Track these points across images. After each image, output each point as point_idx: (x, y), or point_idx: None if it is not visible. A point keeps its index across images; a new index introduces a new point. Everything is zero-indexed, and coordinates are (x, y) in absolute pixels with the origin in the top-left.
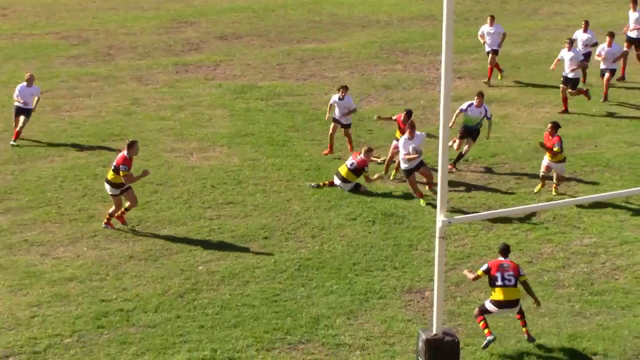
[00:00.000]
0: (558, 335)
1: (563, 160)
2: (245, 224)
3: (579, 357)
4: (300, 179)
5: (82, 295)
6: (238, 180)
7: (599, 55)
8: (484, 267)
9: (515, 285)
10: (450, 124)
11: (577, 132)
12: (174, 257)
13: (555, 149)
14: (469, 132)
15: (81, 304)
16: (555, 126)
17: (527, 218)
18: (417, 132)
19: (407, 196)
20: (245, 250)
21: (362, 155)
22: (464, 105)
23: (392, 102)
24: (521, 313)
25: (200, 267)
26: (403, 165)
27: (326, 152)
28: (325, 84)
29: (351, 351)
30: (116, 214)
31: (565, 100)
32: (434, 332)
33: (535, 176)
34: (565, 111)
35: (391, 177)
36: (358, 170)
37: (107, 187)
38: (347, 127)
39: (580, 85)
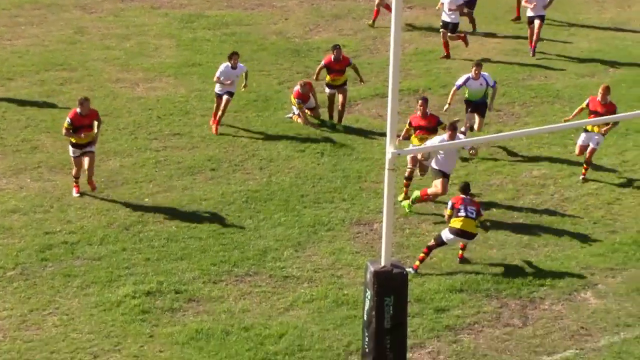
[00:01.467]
0: (506, 266)
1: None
2: (192, 156)
3: (526, 288)
4: (249, 110)
5: (26, 227)
6: (185, 111)
7: (527, 1)
8: (449, 205)
9: (475, 219)
10: (446, 107)
11: (527, 61)
12: (120, 189)
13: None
14: (475, 106)
15: (24, 237)
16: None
17: (477, 149)
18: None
19: (356, 128)
20: (192, 182)
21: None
22: (459, 81)
23: (341, 32)
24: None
25: (146, 200)
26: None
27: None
28: (274, 14)
29: (299, 283)
30: (79, 177)
31: (446, 44)
32: (383, 264)
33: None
34: (447, 56)
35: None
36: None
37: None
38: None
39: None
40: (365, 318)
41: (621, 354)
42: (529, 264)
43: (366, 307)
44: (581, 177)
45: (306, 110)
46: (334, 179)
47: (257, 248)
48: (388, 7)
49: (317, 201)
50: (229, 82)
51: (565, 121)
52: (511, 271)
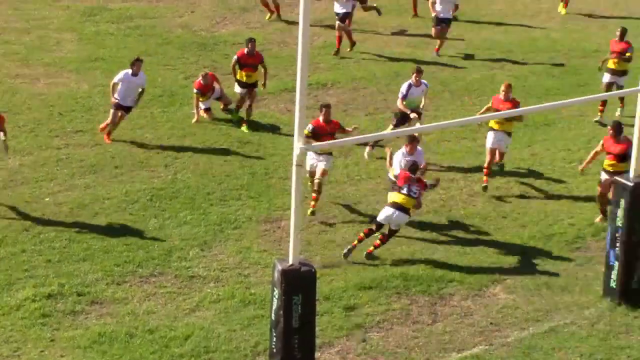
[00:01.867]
0: (414, 263)
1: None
2: (95, 153)
3: (435, 285)
4: (154, 105)
5: None
6: (87, 108)
7: (433, 5)
8: (395, 172)
9: (416, 199)
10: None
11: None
12: (19, 188)
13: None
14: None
15: None
16: (619, 128)
17: (385, 144)
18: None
19: (264, 124)
20: (95, 180)
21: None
22: (403, 90)
23: (249, 25)
24: (388, 237)
25: (47, 199)
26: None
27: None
28: (179, 6)
29: (205, 283)
30: None
31: (339, 38)
32: (290, 262)
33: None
34: (337, 51)
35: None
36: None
37: None
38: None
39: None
40: (273, 317)
41: (530, 348)
42: (438, 260)
43: (274, 307)
44: (483, 184)
45: (201, 107)
46: (241, 176)
47: (162, 248)
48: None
49: (224, 199)
50: (126, 92)
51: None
52: (420, 267)
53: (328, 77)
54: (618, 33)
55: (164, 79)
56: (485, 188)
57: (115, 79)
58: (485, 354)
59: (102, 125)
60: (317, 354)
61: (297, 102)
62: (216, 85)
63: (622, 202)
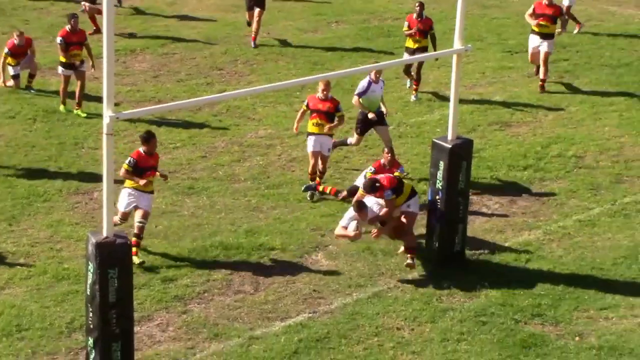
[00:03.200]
0: (235, 231)
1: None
2: None
3: (256, 253)
4: None
5: None
6: None
7: None
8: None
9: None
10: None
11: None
12: None
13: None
14: (377, 118)
15: None
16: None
17: (198, 110)
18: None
19: (71, 92)
20: None
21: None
22: (360, 87)
23: None
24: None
25: None
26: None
27: None
28: None
29: (15, 259)
30: None
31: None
32: (105, 235)
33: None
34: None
35: None
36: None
37: None
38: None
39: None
40: (88, 292)
41: (354, 314)
42: (258, 227)
43: (89, 281)
44: (316, 192)
45: (10, 72)
46: (48, 147)
47: None
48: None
49: (31, 171)
50: None
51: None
52: (240, 236)
53: (136, 43)
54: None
55: None
56: (314, 194)
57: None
58: (309, 321)
59: None
60: (136, 328)
61: (104, 68)
62: (30, 55)
63: (441, 164)
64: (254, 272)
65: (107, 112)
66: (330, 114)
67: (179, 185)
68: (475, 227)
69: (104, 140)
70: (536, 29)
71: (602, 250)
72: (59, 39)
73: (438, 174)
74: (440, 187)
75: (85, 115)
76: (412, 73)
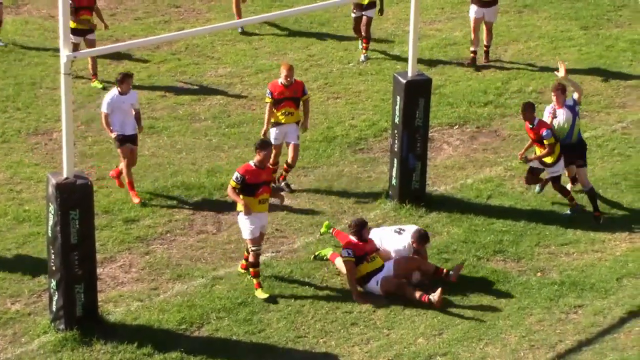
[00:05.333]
0: (196, 171)
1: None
2: None
3: (218, 193)
4: None
5: None
6: None
7: None
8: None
9: None
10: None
11: None
12: None
13: (546, 140)
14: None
15: None
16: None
17: (157, 49)
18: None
19: (26, 30)
20: None
21: None
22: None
23: None
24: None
25: None
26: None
27: None
28: None
29: None
30: None
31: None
32: (65, 175)
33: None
34: None
35: None
36: None
37: None
38: None
39: None
40: (50, 234)
41: (316, 252)
42: (220, 167)
43: (50, 223)
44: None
45: None
46: (5, 87)
47: None
48: None
49: None
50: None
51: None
52: (201, 176)
53: None
54: None
55: None
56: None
57: (105, 107)
58: (272, 260)
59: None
60: (99, 270)
61: (60, 7)
62: None
63: (398, 99)
64: (216, 212)
65: (64, 52)
66: (297, 98)
67: None
68: (437, 163)
69: (62, 80)
70: None
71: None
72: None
73: (396, 109)
74: (398, 123)
75: (102, 86)
76: (362, 32)
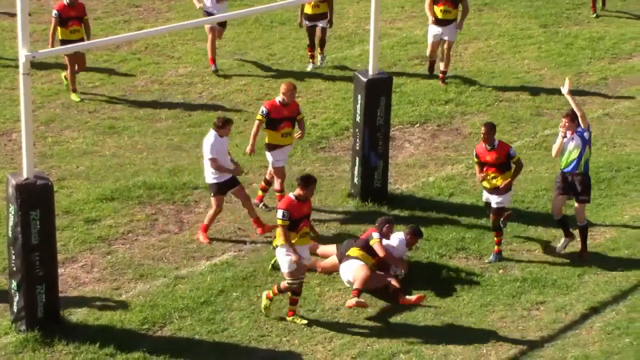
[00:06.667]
0: (158, 170)
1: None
2: None
3: (180, 192)
4: None
5: None
6: None
7: None
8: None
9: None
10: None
11: None
12: None
13: (513, 157)
14: None
15: None
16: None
17: (117, 48)
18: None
19: None
20: None
21: None
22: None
23: None
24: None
25: None
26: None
27: None
28: None
29: None
30: None
31: None
32: (25, 176)
33: None
34: None
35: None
36: None
37: None
38: None
39: None
40: (10, 235)
41: (272, 262)
42: (181, 166)
43: (10, 223)
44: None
45: None
46: None
47: None
48: None
49: None
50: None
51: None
52: (163, 176)
53: None
54: None
55: None
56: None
57: (210, 151)
58: (235, 259)
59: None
60: (60, 270)
61: (18, 7)
62: None
63: (359, 98)
64: (177, 212)
65: (23, 52)
66: (294, 118)
67: (99, 125)
68: (399, 162)
69: (21, 80)
70: (439, 16)
71: (523, 183)
72: (54, 12)
73: (357, 107)
74: (359, 121)
75: (79, 100)
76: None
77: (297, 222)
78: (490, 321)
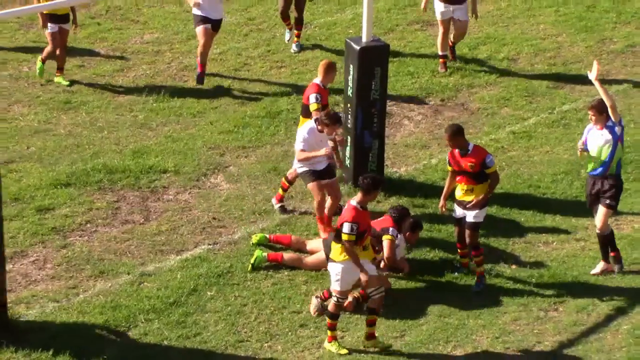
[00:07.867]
0: (120, 152)
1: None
2: None
3: (145, 177)
4: None
5: None
6: None
7: None
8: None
9: None
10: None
11: None
12: None
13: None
14: None
15: None
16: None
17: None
18: None
19: None
20: None
21: None
22: None
23: None
24: None
25: None
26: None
27: None
28: None
29: None
30: None
31: None
32: None
33: None
34: None
35: None
36: None
37: None
38: None
39: None
40: None
41: (261, 244)
42: (147, 147)
43: None
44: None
45: None
46: None
47: None
48: None
49: None
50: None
51: None
52: (126, 158)
53: None
54: None
55: None
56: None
57: (302, 143)
58: (209, 254)
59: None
60: (8, 266)
61: None
62: None
63: (351, 68)
64: (143, 199)
65: None
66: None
67: (53, 99)
68: (397, 141)
69: None
70: None
71: (539, 166)
72: None
73: (349, 79)
74: (351, 95)
75: (67, 83)
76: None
77: (362, 234)
78: (502, 324)
